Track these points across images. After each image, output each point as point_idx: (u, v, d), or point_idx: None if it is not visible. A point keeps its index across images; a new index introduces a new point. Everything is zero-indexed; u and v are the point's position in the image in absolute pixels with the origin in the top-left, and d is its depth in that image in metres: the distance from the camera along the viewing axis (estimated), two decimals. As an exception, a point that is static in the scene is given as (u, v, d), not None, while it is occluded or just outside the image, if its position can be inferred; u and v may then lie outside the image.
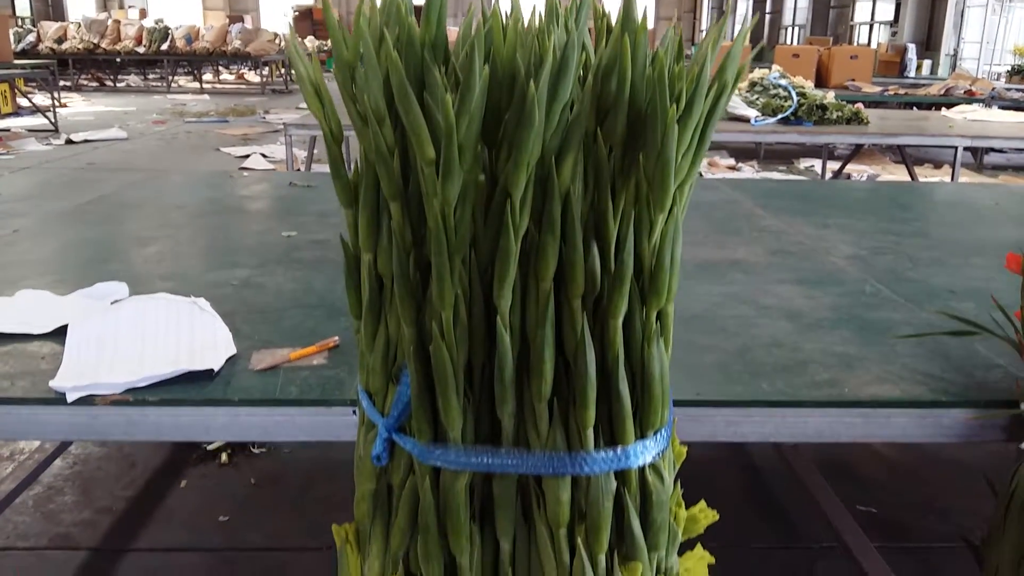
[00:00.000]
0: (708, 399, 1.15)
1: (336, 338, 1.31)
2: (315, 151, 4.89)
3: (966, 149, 5.15)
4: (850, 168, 6.61)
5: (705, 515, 0.61)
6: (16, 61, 11.36)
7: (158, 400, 1.12)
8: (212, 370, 1.18)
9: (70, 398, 1.11)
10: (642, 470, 0.53)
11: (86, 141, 8.70)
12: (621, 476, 0.52)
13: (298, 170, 4.91)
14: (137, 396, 1.12)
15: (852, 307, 1.56)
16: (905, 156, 5.50)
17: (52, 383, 1.13)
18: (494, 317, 0.51)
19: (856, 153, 6.47)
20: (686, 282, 1.74)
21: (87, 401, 1.12)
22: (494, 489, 0.51)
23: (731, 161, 7.29)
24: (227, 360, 1.22)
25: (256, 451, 2.48)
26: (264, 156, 7.69)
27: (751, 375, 1.23)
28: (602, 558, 0.50)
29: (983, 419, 1.15)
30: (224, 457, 2.43)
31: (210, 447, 2.47)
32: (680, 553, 0.62)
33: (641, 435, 0.52)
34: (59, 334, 1.30)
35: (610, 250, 0.54)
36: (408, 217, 0.55)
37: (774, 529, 2.17)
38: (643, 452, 0.52)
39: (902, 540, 2.12)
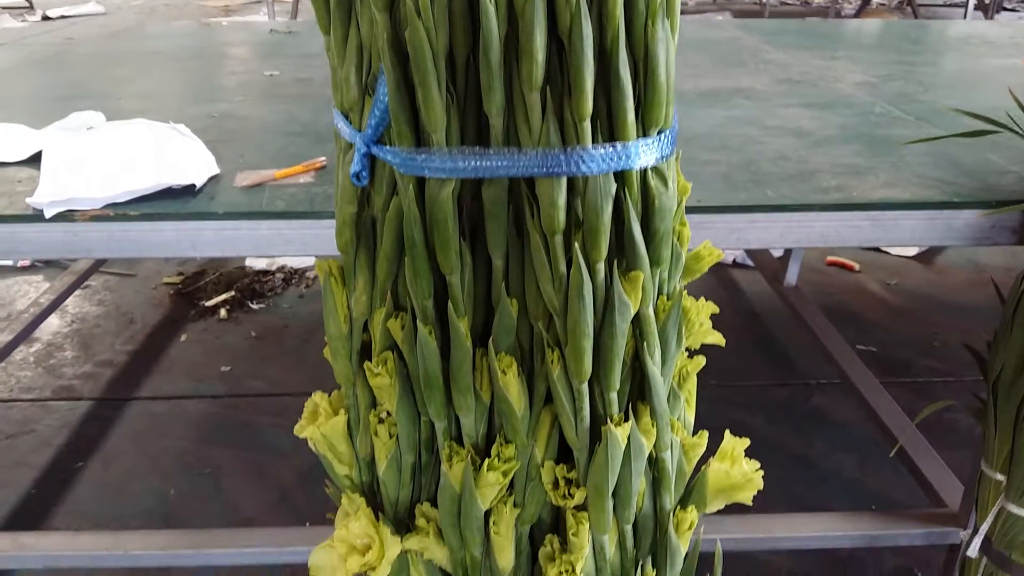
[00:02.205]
0: (710, 205, 1.11)
1: (323, 159, 1.25)
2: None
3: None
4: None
5: (710, 253, 0.58)
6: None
7: (140, 215, 1.08)
8: (194, 186, 1.13)
9: (48, 214, 1.07)
10: (644, 173, 0.49)
11: (63, 17, 8.36)
12: (621, 178, 0.48)
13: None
14: (118, 211, 1.08)
15: (861, 126, 1.49)
16: (916, 10, 5.29)
17: (29, 200, 1.09)
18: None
19: (864, 8, 6.23)
20: (687, 108, 1.68)
21: (66, 218, 1.07)
22: (484, 199, 0.47)
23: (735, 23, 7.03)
24: (209, 180, 1.18)
25: (255, 306, 2.47)
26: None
27: (755, 183, 1.18)
28: (601, 267, 0.47)
29: (994, 220, 1.11)
30: (223, 312, 2.42)
31: (209, 303, 2.46)
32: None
33: (643, 133, 0.48)
34: (35, 160, 1.25)
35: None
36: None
37: (772, 368, 2.18)
38: (646, 151, 0.47)
39: (901, 376, 2.13)
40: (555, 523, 0.55)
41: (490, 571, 0.55)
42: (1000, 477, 1.12)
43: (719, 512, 1.61)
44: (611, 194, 0.47)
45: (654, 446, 0.51)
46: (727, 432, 0.60)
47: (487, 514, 0.53)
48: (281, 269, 2.66)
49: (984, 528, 1.12)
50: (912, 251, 2.82)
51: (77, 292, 2.55)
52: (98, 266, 2.35)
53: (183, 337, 2.31)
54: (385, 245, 0.49)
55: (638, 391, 0.51)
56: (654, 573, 0.55)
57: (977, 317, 2.41)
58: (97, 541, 1.34)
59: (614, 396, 0.49)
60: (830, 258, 2.79)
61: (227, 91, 1.78)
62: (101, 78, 1.95)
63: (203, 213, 1.09)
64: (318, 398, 0.55)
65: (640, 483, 0.51)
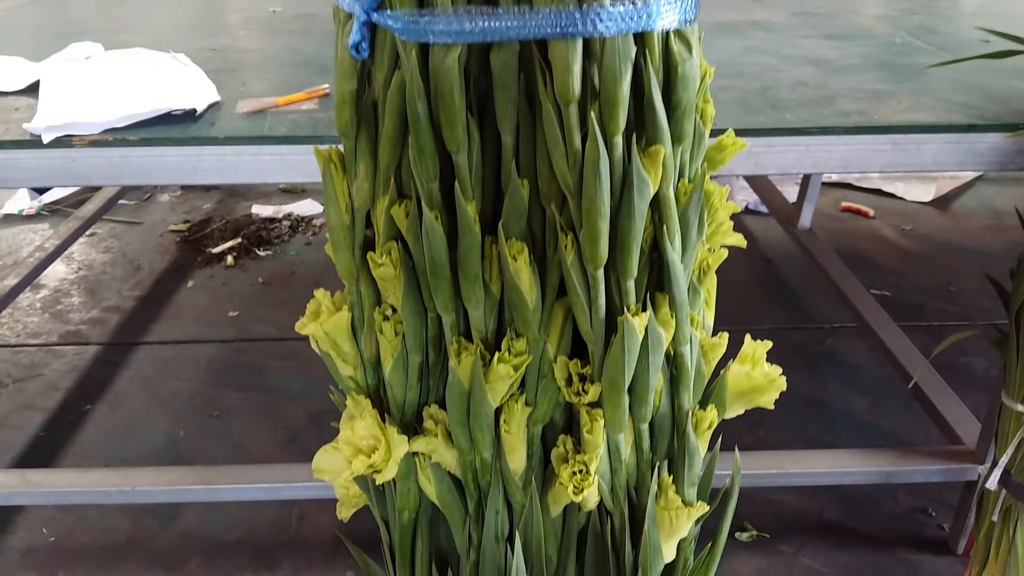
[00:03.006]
0: (726, 127, 1.07)
1: (326, 86, 1.22)
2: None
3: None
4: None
5: (733, 143, 0.54)
6: None
7: (139, 140, 1.05)
8: (194, 111, 1.10)
9: (46, 139, 1.04)
10: (666, 37, 0.45)
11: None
12: (641, 42, 0.45)
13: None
14: (116, 136, 1.05)
15: (881, 55, 1.44)
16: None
17: (26, 125, 1.06)
18: None
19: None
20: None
21: (64, 143, 1.05)
22: (492, 67, 0.44)
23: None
24: (210, 107, 1.15)
25: (262, 253, 2.45)
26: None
27: (773, 108, 1.15)
28: (618, 140, 0.44)
29: (1019, 143, 1.07)
30: (230, 259, 2.40)
31: (215, 250, 2.44)
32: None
33: (665, -8, 0.44)
34: (34, 90, 1.22)
35: None
36: None
37: (785, 312, 2.15)
38: (668, 10, 0.44)
39: (915, 320, 2.10)
40: (568, 425, 0.53)
41: (500, 474, 0.53)
42: (1021, 408, 1.09)
43: (729, 439, 1.59)
44: (630, 58, 0.43)
45: (672, 340, 0.49)
46: (748, 336, 0.58)
47: (497, 413, 0.51)
48: (288, 216, 2.64)
49: (1004, 460, 1.10)
50: (928, 196, 2.77)
51: (83, 240, 2.54)
52: (103, 212, 2.33)
53: (190, 283, 2.29)
54: (387, 126, 0.46)
55: (656, 282, 0.48)
56: (671, 479, 0.53)
57: (994, 262, 2.36)
58: (105, 478, 1.34)
59: (631, 285, 0.46)
60: (844, 204, 2.75)
61: (229, 26, 1.74)
62: (101, 16, 1.90)
63: (204, 138, 1.06)
64: (320, 295, 0.53)
65: (657, 379, 0.49)
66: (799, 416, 1.75)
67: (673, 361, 0.50)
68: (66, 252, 2.44)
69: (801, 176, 2.31)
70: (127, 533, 1.46)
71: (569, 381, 0.49)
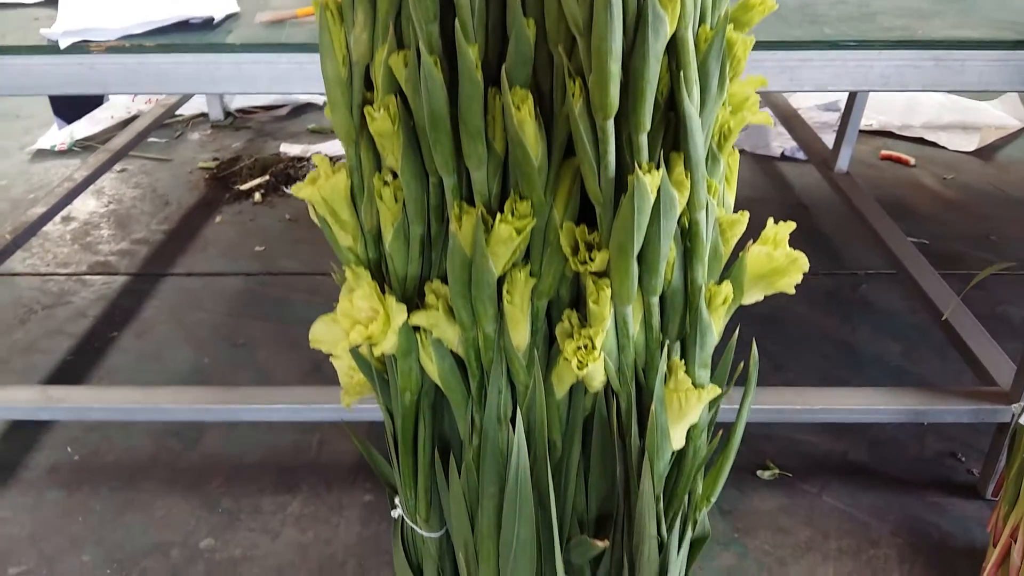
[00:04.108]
0: (760, 40, 1.03)
1: (349, -1, 1.19)
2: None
3: None
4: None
5: (761, 3, 0.50)
6: None
7: (156, 47, 1.03)
8: (212, 19, 1.08)
9: (63, 44, 1.03)
10: None
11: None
12: None
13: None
14: (134, 42, 1.03)
15: (928, -21, 1.38)
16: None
17: (43, 31, 1.05)
18: None
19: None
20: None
21: (81, 49, 1.04)
22: None
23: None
24: (228, 17, 1.12)
25: (289, 191, 2.44)
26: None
27: (811, 22, 1.10)
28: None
29: (1075, 61, 1.01)
30: (258, 196, 2.40)
31: (243, 187, 2.44)
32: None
33: None
34: (53, 2, 1.21)
35: None
36: None
37: (819, 257, 2.10)
38: None
39: (953, 268, 2.03)
40: (575, 303, 0.51)
41: (503, 352, 0.51)
42: (1060, 341, 1.05)
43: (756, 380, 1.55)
44: None
45: (687, 205, 0.46)
46: (770, 219, 0.55)
47: (500, 285, 0.49)
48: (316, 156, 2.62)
49: (1039, 394, 1.06)
50: (971, 146, 2.68)
51: (113, 175, 2.55)
52: (133, 145, 2.33)
53: (218, 219, 2.30)
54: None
55: (672, 142, 0.45)
56: (682, 364, 0.51)
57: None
58: (127, 395, 1.35)
59: (643, 140, 0.43)
60: (884, 152, 2.67)
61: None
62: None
63: (221, 45, 1.04)
64: (319, 160, 0.51)
65: (669, 248, 0.46)
66: (828, 359, 1.72)
67: (687, 234, 0.48)
68: (96, 187, 2.46)
69: (839, 121, 2.23)
70: (150, 453, 1.47)
71: (576, 250, 0.47)
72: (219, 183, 2.49)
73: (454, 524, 0.60)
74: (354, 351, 0.60)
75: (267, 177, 2.47)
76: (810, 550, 1.28)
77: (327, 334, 0.50)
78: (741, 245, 0.56)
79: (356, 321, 0.49)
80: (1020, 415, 1.07)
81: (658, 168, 0.43)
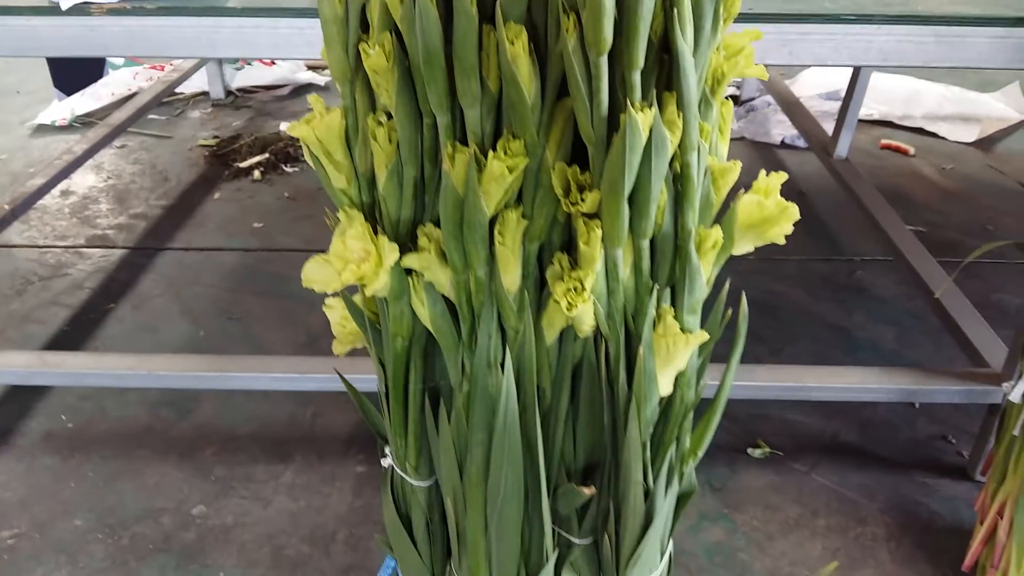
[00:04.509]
0: (759, 12, 1.03)
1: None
2: None
3: None
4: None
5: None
6: None
7: (157, 9, 1.04)
8: (213, -18, 1.08)
9: (64, 5, 1.03)
10: None
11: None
12: None
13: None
14: (135, 4, 1.04)
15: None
16: None
17: (43, -10, 1.05)
18: None
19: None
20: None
21: (82, 11, 1.04)
22: None
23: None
24: (231, -18, 1.12)
25: (289, 169, 2.44)
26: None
27: (811, -3, 1.10)
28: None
29: (1073, 39, 1.02)
30: (257, 174, 2.40)
31: (243, 165, 2.44)
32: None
33: None
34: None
35: None
36: None
37: (816, 244, 2.11)
38: None
39: (950, 256, 2.04)
40: (566, 247, 0.51)
41: (494, 295, 0.51)
42: (1052, 319, 1.06)
43: (749, 361, 1.56)
44: None
45: (679, 147, 0.46)
46: (762, 171, 0.55)
47: (492, 227, 0.49)
48: (315, 135, 2.62)
49: (1030, 372, 1.07)
50: (971, 137, 2.68)
51: (113, 151, 2.55)
52: (134, 120, 2.33)
53: (216, 195, 2.30)
54: None
55: (665, 83, 0.46)
56: (671, 310, 0.51)
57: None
58: (122, 361, 1.35)
59: (636, 78, 0.44)
60: (884, 142, 2.67)
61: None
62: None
63: (221, 8, 1.04)
64: (313, 100, 0.51)
65: (660, 190, 0.47)
66: (822, 343, 1.72)
67: (679, 178, 0.48)
68: (96, 162, 2.46)
69: (839, 109, 2.23)
70: (144, 422, 1.48)
71: (568, 191, 0.47)
72: (219, 160, 2.49)
73: (443, 471, 0.60)
74: (348, 300, 0.61)
75: (267, 155, 2.47)
76: (798, 526, 1.29)
77: (319, 274, 0.50)
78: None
79: (349, 261, 0.49)
80: (1011, 392, 1.08)
81: (651, 107, 0.43)
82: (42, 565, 1.20)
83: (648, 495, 0.57)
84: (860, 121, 2.77)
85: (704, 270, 0.50)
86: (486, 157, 0.46)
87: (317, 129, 0.49)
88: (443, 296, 0.54)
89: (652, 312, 0.50)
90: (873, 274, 1.97)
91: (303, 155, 2.46)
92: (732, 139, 2.87)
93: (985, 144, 2.70)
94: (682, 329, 0.51)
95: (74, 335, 1.72)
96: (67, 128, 2.71)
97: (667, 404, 0.55)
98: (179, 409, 1.51)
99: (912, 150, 2.62)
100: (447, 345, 0.55)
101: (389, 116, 0.50)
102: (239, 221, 2.16)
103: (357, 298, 0.61)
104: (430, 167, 0.51)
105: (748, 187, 0.55)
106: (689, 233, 0.48)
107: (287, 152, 2.51)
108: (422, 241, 0.52)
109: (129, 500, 1.32)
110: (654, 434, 0.56)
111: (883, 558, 1.23)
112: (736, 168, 0.50)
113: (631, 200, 0.47)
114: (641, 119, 0.43)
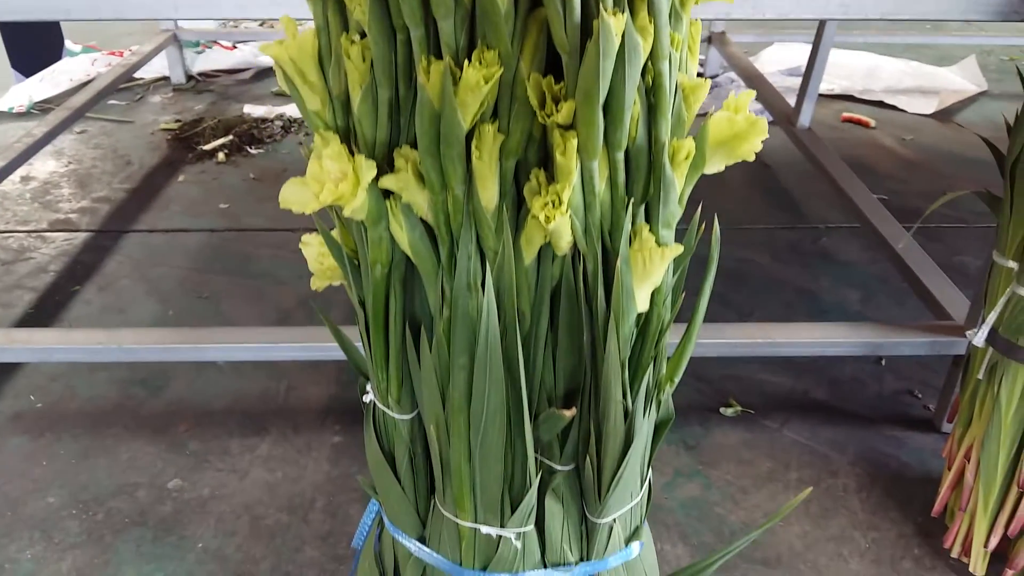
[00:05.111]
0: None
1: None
2: None
3: None
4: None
5: None
6: None
7: (118, -32, 1.02)
8: (175, -58, 1.07)
9: (22, -35, 1.01)
10: None
11: None
12: None
13: None
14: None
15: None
16: None
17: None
18: None
19: None
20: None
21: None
22: None
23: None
24: (193, -56, 1.11)
25: (254, 151, 2.42)
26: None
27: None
28: None
29: (1026, -11, 1.04)
30: (221, 156, 2.37)
31: (206, 147, 2.41)
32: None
33: None
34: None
35: None
36: None
37: (781, 213, 2.14)
38: None
39: (912, 222, 2.08)
40: (542, 164, 0.52)
41: (473, 216, 0.52)
42: (1012, 264, 1.08)
43: (721, 306, 1.58)
44: None
45: (650, 56, 0.47)
46: (732, 92, 0.56)
47: (469, 143, 0.49)
48: (280, 117, 2.60)
49: (992, 317, 1.10)
50: (930, 109, 2.74)
51: (73, 137, 2.51)
52: (93, 104, 2.29)
53: (180, 178, 2.27)
54: None
55: (635, -7, 0.46)
56: (647, 227, 0.52)
57: (993, 171, 2.34)
58: (92, 336, 1.33)
59: (608, -17, 0.44)
60: (845, 114, 2.71)
61: None
62: None
63: (185, -33, 1.03)
64: (284, 20, 0.51)
65: (633, 99, 0.47)
66: (790, 307, 1.75)
67: (651, 89, 0.49)
68: (56, 148, 2.42)
69: (800, 83, 2.26)
70: (115, 401, 1.46)
71: (543, 103, 0.48)
72: (181, 144, 2.46)
73: (425, 401, 0.60)
74: (326, 233, 0.61)
75: (231, 137, 2.44)
76: (771, 480, 1.31)
77: (297, 195, 0.50)
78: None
79: (326, 182, 0.49)
80: (975, 337, 1.11)
81: (623, 13, 0.44)
82: (15, 542, 1.19)
83: (628, 415, 0.58)
84: (821, 96, 2.81)
85: (678, 183, 0.50)
86: (461, 70, 0.47)
87: (290, 50, 0.49)
88: (422, 220, 0.54)
89: (628, 226, 0.51)
90: (838, 240, 2.01)
91: (267, 137, 2.44)
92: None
93: (943, 116, 2.75)
94: (657, 243, 0.51)
95: (40, 317, 1.69)
96: (24, 115, 2.66)
97: (644, 323, 0.56)
98: (150, 387, 1.49)
99: (873, 122, 2.66)
100: (426, 270, 0.55)
101: (363, 35, 0.50)
102: (204, 202, 2.14)
103: (336, 233, 0.61)
104: (404, 88, 0.51)
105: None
106: (663, 146, 0.49)
107: (251, 134, 2.48)
108: (399, 163, 0.52)
109: (103, 476, 1.30)
110: (632, 355, 0.57)
111: (855, 507, 1.26)
112: (706, 85, 0.51)
113: (605, 109, 0.47)
114: (614, 23, 0.43)
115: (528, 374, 0.58)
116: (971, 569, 1.14)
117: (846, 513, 1.25)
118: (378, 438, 0.66)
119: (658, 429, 0.66)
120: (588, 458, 0.60)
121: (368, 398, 0.65)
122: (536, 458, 0.62)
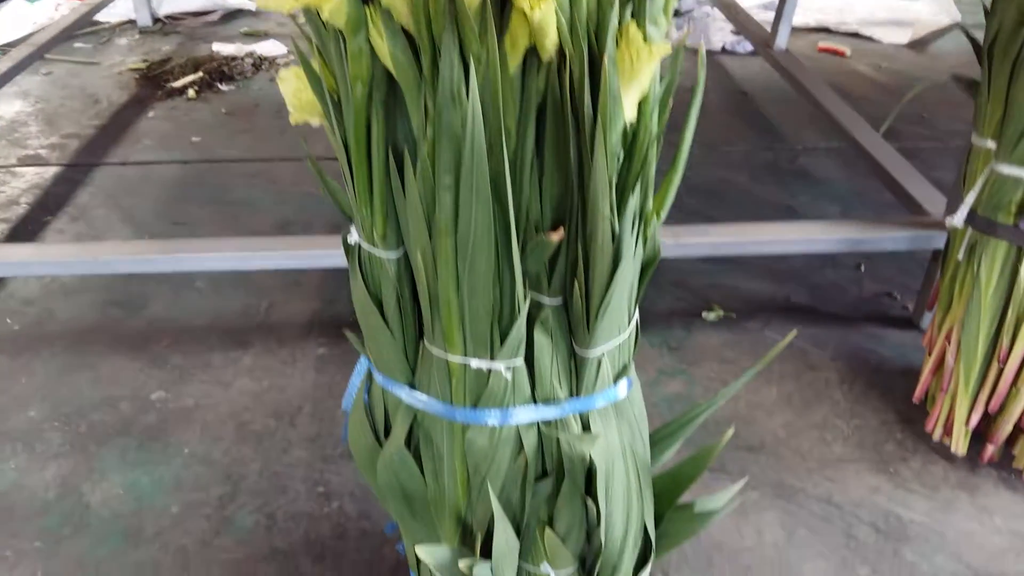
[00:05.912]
0: None
1: None
2: None
3: None
4: None
5: None
6: None
7: None
8: None
9: None
10: None
11: None
12: None
13: None
14: None
15: None
16: None
17: None
18: None
19: None
20: None
21: None
22: None
23: None
24: None
25: (224, 88, 2.38)
26: None
27: None
28: None
29: None
30: (192, 92, 2.33)
31: (176, 84, 2.37)
32: None
33: None
34: None
35: None
36: None
37: (759, 135, 2.14)
38: None
39: (889, 140, 2.09)
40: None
41: (455, 18, 0.50)
42: (991, 144, 1.09)
43: (703, 222, 1.57)
44: None
45: None
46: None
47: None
48: (250, 55, 2.55)
49: (971, 197, 1.11)
50: (904, 39, 2.74)
51: (39, 78, 2.45)
52: (58, 42, 2.23)
53: (151, 114, 2.23)
54: None
55: None
56: (634, 24, 0.51)
57: (969, 100, 2.35)
58: (65, 250, 1.31)
59: None
60: (821, 44, 2.71)
61: None
62: None
63: None
64: None
65: None
66: (770, 221, 1.76)
67: None
68: (22, 89, 2.37)
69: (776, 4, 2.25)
70: (93, 321, 1.44)
71: None
72: (150, 82, 2.41)
73: (411, 231, 0.60)
74: (306, 64, 0.59)
75: (200, 75, 2.40)
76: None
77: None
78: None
79: (303, -18, 0.48)
80: (955, 218, 1.11)
81: None
82: (-4, 452, 1.18)
83: (615, 237, 0.58)
84: (796, 29, 2.81)
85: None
86: None
87: None
88: (403, 31, 0.53)
89: (615, 22, 0.50)
90: (815, 159, 2.01)
91: (238, 74, 2.39)
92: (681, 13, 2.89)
93: (917, 45, 2.76)
94: (644, 41, 0.51)
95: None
96: (-13, 59, 2.58)
97: (632, 140, 0.55)
98: (129, 307, 1.48)
99: (848, 52, 2.66)
100: (408, 83, 0.54)
101: None
102: (176, 137, 2.10)
103: (314, 63, 0.59)
104: None
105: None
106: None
107: (221, 71, 2.44)
108: (379, -34, 0.51)
109: (85, 390, 1.29)
110: (620, 175, 0.56)
111: (837, 398, 1.28)
112: None
113: None
114: None
115: (516, 198, 0.58)
116: (952, 449, 1.16)
117: (829, 403, 1.27)
118: (364, 282, 0.65)
119: (645, 268, 0.66)
120: (576, 284, 0.60)
121: (352, 239, 0.64)
122: (525, 290, 0.61)
